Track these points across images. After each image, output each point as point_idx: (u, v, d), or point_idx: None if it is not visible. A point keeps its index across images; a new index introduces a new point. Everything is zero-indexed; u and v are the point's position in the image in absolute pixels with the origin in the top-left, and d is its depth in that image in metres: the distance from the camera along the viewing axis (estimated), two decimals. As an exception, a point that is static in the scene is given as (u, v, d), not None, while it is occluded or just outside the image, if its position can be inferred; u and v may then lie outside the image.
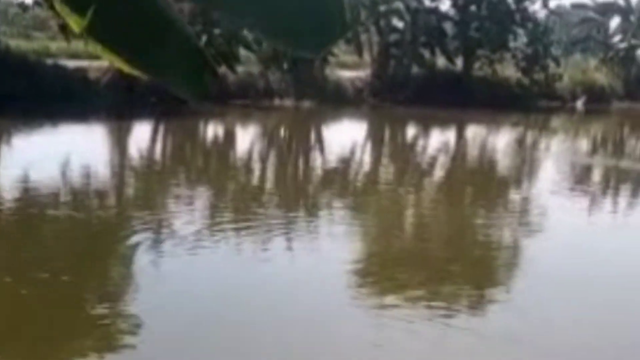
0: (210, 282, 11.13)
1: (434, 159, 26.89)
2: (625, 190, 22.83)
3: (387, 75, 44.22)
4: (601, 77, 51.01)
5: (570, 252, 13.64)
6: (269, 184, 20.65)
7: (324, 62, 41.63)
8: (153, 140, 27.53)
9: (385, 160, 27.11)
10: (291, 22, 2.25)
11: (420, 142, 32.47)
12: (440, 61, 47.10)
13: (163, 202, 16.87)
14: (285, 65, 40.42)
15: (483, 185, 21.90)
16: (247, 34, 37.95)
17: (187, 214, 15.14)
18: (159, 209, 16.03)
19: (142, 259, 11.94)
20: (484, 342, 9.28)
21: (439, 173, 24.38)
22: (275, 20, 2.25)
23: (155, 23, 2.30)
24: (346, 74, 43.21)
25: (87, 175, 18.95)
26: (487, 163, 27.23)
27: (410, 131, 36.11)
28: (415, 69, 45.46)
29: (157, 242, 12.89)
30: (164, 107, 29.88)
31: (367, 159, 26.67)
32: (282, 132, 34.06)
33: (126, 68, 2.43)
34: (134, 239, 13.06)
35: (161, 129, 30.26)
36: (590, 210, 18.61)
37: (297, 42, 2.35)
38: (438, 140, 32.83)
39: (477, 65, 47.22)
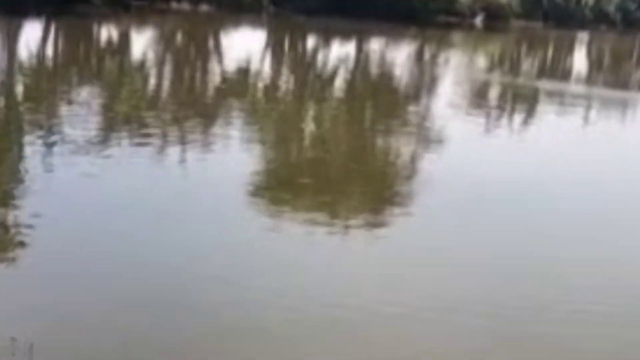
0: (102, 189, 10.72)
1: (334, 71, 26.65)
2: (520, 106, 23.16)
3: (287, -17, 43.45)
4: (500, -5, 51.37)
5: (468, 166, 13.71)
6: (166, 91, 20.09)
7: (223, -33, 40.58)
8: (44, 40, 26.41)
9: (285, 70, 26.75)
10: None
11: (321, 53, 32.14)
12: (342, -29, 46.53)
13: (55, 104, 16.18)
14: (183, -32, 39.27)
15: (382, 98, 21.84)
16: None
17: (80, 118, 14.54)
18: (51, 112, 15.37)
19: (32, 165, 11.42)
20: (381, 254, 9.25)
21: (339, 85, 24.17)
22: None
23: None
24: (246, -20, 42.26)
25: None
26: (387, 76, 27.15)
27: (311, 41, 35.70)
28: (317, -22, 44.82)
29: (48, 147, 12.32)
30: (55, 5, 28.65)
31: (266, 68, 26.23)
32: (179, 37, 33.17)
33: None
34: (24, 142, 12.50)
35: (53, 28, 29.04)
36: (488, 125, 18.79)
37: None
38: (338, 51, 32.56)
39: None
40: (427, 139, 16.33)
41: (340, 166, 13.51)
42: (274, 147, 14.74)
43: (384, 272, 8.51)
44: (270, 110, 18.32)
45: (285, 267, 8.39)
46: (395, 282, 8.22)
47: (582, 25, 55.05)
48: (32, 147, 12.24)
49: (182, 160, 12.44)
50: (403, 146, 15.54)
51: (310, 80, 24.56)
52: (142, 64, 23.37)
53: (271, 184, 12.02)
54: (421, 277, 8.45)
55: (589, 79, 32.45)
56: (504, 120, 20.13)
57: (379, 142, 16.14)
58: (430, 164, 13.99)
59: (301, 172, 12.83)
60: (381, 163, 14.38)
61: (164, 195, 10.53)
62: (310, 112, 18.99)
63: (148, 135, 13.77)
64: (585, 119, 21.33)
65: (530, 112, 21.93)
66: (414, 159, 14.65)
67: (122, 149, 12.64)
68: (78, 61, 23.28)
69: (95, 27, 29.70)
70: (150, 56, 25.30)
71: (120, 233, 8.96)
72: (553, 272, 8.98)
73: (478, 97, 23.56)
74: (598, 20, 58.54)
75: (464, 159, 14.24)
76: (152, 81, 21.09)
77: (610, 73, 36.69)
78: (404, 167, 14.20)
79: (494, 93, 25.57)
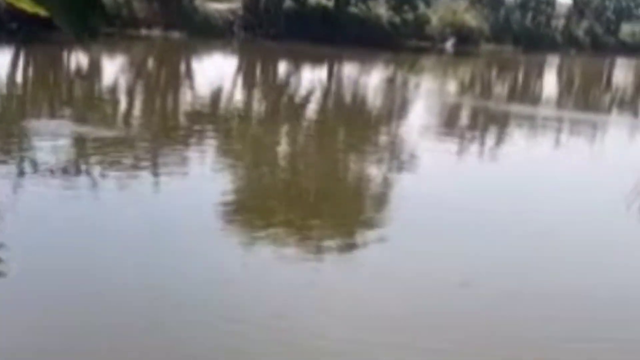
0: (69, 212, 10.61)
1: (306, 96, 26.68)
2: (490, 129, 23.28)
3: (258, 9, 43.57)
4: (470, 19, 51.78)
5: (439, 187, 13.74)
6: (136, 116, 19.98)
7: (193, -8, 40.66)
8: (13, 68, 26.24)
9: (256, 96, 26.72)
10: None
11: (292, 78, 32.17)
12: (313, -4, 46.76)
13: (23, 132, 16.03)
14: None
15: (354, 122, 21.85)
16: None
17: (48, 144, 14.40)
18: (19, 138, 15.23)
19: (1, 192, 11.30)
20: (354, 273, 9.20)
21: (311, 110, 24.17)
22: None
23: None
24: (215, 6, 42.29)
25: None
26: (358, 100, 27.21)
27: (282, 67, 35.75)
28: (287, 3, 44.98)
29: (15, 173, 12.21)
30: (25, 34, 28.51)
31: (238, 94, 26.20)
32: (150, 63, 33.09)
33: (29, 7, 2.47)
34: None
35: (22, 56, 28.88)
36: (459, 148, 18.85)
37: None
38: (310, 76, 32.62)
39: (350, 1, 47.10)
40: (399, 162, 16.35)
41: (311, 189, 13.47)
42: (245, 171, 14.69)
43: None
44: (242, 135, 18.27)
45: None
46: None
47: (552, 48, 55.60)
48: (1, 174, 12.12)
49: (153, 186, 12.37)
50: (373, 169, 15.54)
51: (282, 104, 24.57)
52: (112, 90, 23.26)
53: (243, 209, 11.96)
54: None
55: (560, 102, 32.70)
56: (474, 143, 20.19)
57: (352, 166, 16.13)
58: (401, 186, 14.02)
59: (272, 196, 12.79)
60: (351, 186, 14.37)
61: (135, 220, 10.43)
62: (282, 136, 18.96)
63: (119, 161, 13.67)
64: (555, 141, 21.50)
65: (500, 135, 22.04)
66: (382, 183, 14.66)
67: (92, 176, 12.53)
68: (47, 88, 23.12)
69: (65, 55, 29.56)
70: (121, 82, 25.20)
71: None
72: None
73: (449, 120, 23.65)
74: (568, 44, 59.14)
75: (435, 180, 14.28)
76: (123, 107, 20.97)
77: (580, 96, 36.99)
78: (372, 189, 14.20)
79: (464, 117, 25.69)
